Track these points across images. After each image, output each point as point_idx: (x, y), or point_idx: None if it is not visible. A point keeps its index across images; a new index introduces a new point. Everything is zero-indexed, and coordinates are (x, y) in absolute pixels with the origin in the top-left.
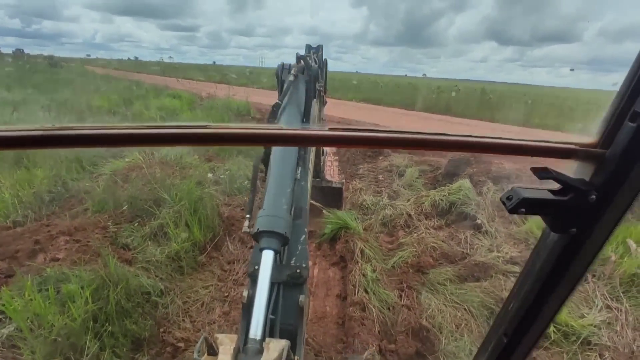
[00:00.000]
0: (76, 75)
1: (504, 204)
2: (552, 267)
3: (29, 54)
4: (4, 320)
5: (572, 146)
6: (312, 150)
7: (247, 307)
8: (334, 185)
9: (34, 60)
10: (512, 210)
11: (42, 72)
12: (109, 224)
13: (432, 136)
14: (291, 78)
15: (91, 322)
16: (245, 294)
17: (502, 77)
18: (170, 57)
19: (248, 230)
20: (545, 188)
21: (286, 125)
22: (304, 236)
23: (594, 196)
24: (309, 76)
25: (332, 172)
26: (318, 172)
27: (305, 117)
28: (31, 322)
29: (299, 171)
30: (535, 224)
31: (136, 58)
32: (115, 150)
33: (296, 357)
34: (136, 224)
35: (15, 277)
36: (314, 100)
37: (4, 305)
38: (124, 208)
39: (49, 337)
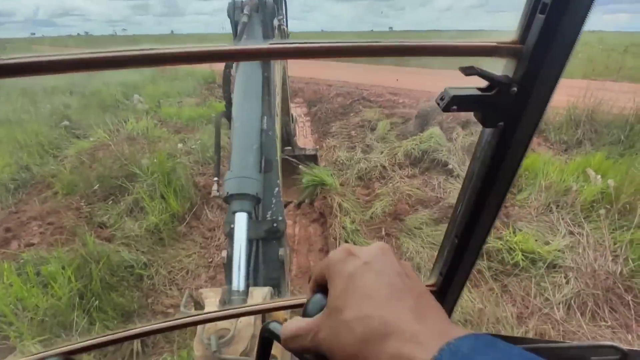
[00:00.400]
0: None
1: (438, 104)
2: (489, 163)
3: None
4: None
5: (494, 43)
6: (278, 95)
7: (229, 265)
8: (307, 152)
9: None
10: (445, 109)
11: None
12: (82, 204)
13: (365, 44)
14: (244, 19)
15: (77, 299)
16: (224, 254)
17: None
18: (124, 29)
19: (218, 193)
20: (474, 87)
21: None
22: (277, 189)
23: (515, 89)
24: (265, 13)
25: (304, 132)
26: (290, 140)
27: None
28: (14, 307)
29: (264, 121)
30: None
31: (86, 33)
32: (77, 131)
33: None
34: (110, 202)
35: None
36: (272, 39)
37: None
38: (96, 187)
39: (35, 318)
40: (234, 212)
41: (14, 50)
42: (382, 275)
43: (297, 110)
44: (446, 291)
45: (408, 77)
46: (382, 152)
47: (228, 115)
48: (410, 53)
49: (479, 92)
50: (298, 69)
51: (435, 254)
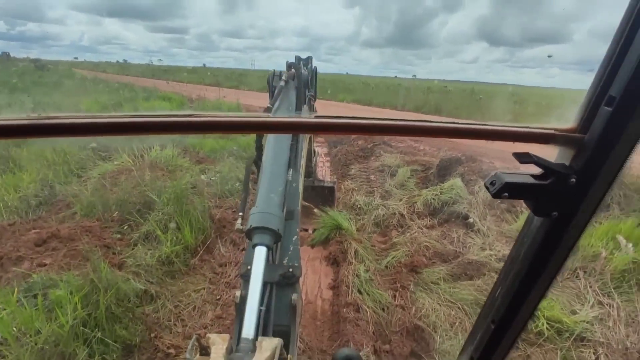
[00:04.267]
0: (63, 78)
1: (487, 188)
2: (535, 251)
3: (15, 57)
4: None
5: (552, 131)
6: (304, 154)
7: (240, 307)
8: (326, 184)
9: (20, 63)
10: (496, 195)
11: (28, 75)
12: (98, 227)
13: (417, 123)
14: (282, 84)
15: (80, 328)
16: (237, 294)
17: (491, 77)
18: (160, 59)
19: (241, 227)
20: (528, 173)
21: None
22: (295, 236)
23: (573, 179)
24: (299, 82)
25: (323, 173)
26: (310, 172)
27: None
28: (17, 330)
29: (290, 173)
30: None
31: (125, 61)
32: (104, 153)
33: (289, 356)
34: (126, 227)
35: (0, 284)
36: (304, 105)
37: None
38: (114, 213)
39: (35, 345)
40: (254, 246)
41: (54, 71)
42: None
43: (318, 150)
44: None
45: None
46: (400, 200)
47: (257, 161)
48: (464, 135)
49: (533, 180)
50: (322, 108)
51: (452, 312)
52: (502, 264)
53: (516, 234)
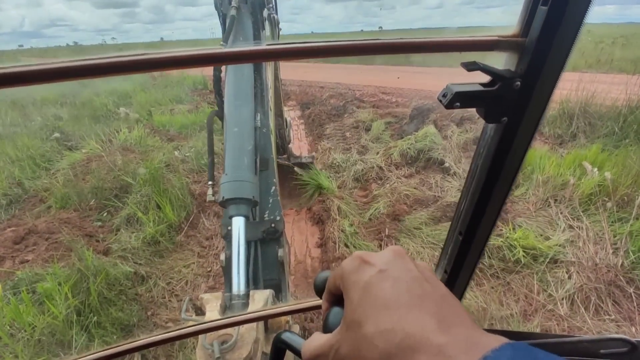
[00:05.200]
0: None
1: (440, 101)
2: (492, 160)
3: None
4: None
5: (495, 37)
6: (270, 90)
7: (227, 267)
8: (304, 160)
9: None
10: (449, 105)
11: None
12: (77, 218)
13: (367, 41)
14: (233, 12)
15: (75, 316)
16: (222, 257)
17: (458, 21)
18: (113, 37)
19: (213, 198)
20: (476, 82)
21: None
22: (274, 188)
23: (518, 83)
24: (254, 4)
25: (299, 135)
26: (285, 147)
27: (257, 43)
28: (10, 327)
29: (258, 118)
30: None
31: (75, 43)
32: (69, 142)
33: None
34: (105, 214)
35: None
36: (262, 31)
37: None
38: (90, 201)
39: (31, 338)
40: (231, 217)
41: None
42: (399, 282)
43: (291, 114)
44: (451, 288)
45: (397, 75)
46: (377, 153)
47: (220, 114)
48: (410, 50)
49: (481, 88)
50: (290, 71)
51: (436, 253)
52: None
53: None
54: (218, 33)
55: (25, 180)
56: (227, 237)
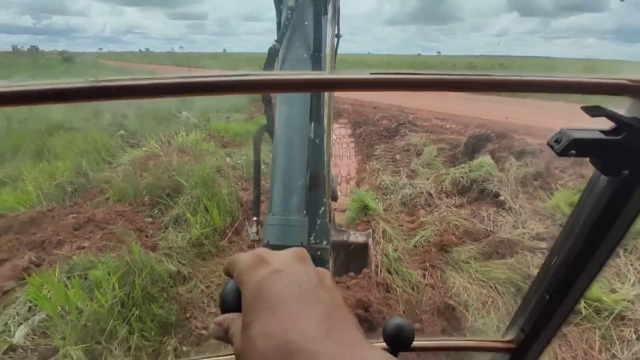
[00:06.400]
0: (90, 68)
1: (551, 147)
2: (600, 214)
3: (43, 51)
4: (34, 308)
5: (625, 81)
6: (326, 102)
7: None
8: (357, 238)
9: (48, 56)
10: (562, 153)
11: (56, 67)
12: (130, 212)
13: (471, 77)
14: (291, 3)
15: (119, 307)
16: None
17: (522, 51)
18: (181, 46)
19: (257, 237)
20: (595, 129)
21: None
22: (323, 208)
23: None
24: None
25: (348, 154)
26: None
27: (316, 51)
28: (61, 309)
29: (312, 127)
30: (562, 199)
31: (147, 49)
32: (132, 140)
33: None
34: (156, 211)
35: (43, 266)
36: (325, 16)
37: (32, 294)
38: (145, 197)
39: (78, 323)
40: None
41: (81, 62)
42: (292, 285)
43: (342, 131)
44: (526, 350)
45: (453, 100)
46: (427, 179)
47: (270, 130)
48: (528, 89)
49: (603, 136)
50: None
51: (484, 291)
52: (535, 242)
53: (551, 212)
54: None
55: (90, 171)
56: None
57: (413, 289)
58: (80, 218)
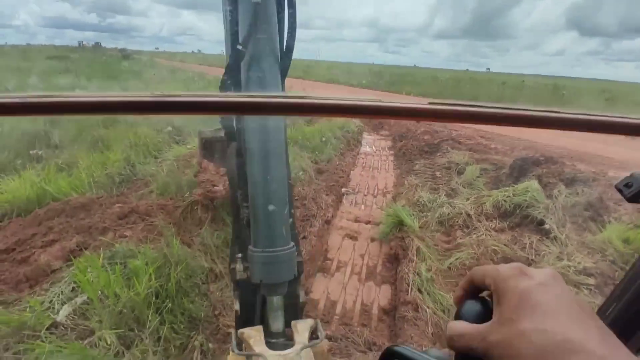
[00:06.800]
0: (146, 67)
1: (620, 191)
2: None
3: (105, 47)
4: (76, 289)
5: None
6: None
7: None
8: None
9: (110, 53)
10: (632, 199)
11: (116, 64)
12: (172, 206)
13: (508, 111)
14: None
15: (153, 298)
16: (236, 307)
17: (579, 72)
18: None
19: (245, 275)
20: None
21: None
22: (290, 220)
23: None
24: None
25: (387, 167)
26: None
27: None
28: (101, 293)
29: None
30: (615, 233)
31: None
32: (178, 137)
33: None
34: (196, 208)
35: (88, 250)
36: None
37: (77, 276)
38: (186, 193)
39: (115, 308)
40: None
41: (138, 60)
42: (561, 297)
43: (382, 144)
44: None
45: None
46: (467, 199)
47: (235, 142)
48: (569, 127)
49: None
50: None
51: None
52: (582, 277)
53: (601, 246)
54: (323, 56)
55: (137, 164)
56: (240, 283)
57: (444, 311)
58: (125, 208)
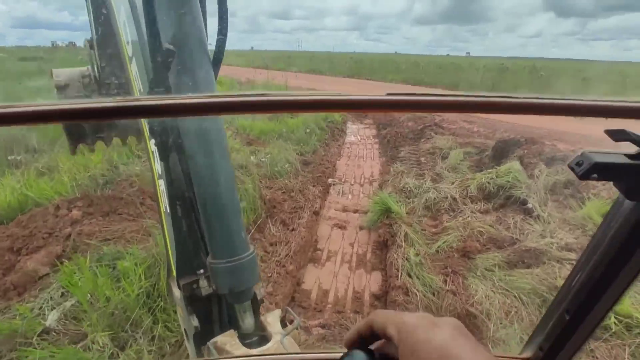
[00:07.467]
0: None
1: (572, 169)
2: (623, 238)
3: (80, 47)
4: (66, 294)
5: None
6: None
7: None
8: None
9: (85, 52)
10: (583, 177)
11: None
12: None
13: (492, 99)
14: None
15: (144, 298)
16: (195, 322)
17: (556, 53)
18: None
19: (211, 290)
20: (620, 152)
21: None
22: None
23: None
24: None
25: (372, 155)
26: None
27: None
28: (90, 296)
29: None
30: (594, 209)
31: None
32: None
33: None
34: None
35: (75, 254)
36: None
37: (64, 280)
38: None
39: (106, 310)
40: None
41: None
42: (474, 350)
43: (366, 132)
44: None
45: None
46: (452, 183)
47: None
48: (552, 112)
49: (627, 160)
50: (372, 89)
51: (508, 301)
52: (564, 253)
53: (581, 222)
54: (304, 47)
55: (121, 164)
56: (195, 298)
57: (433, 294)
58: (111, 209)
